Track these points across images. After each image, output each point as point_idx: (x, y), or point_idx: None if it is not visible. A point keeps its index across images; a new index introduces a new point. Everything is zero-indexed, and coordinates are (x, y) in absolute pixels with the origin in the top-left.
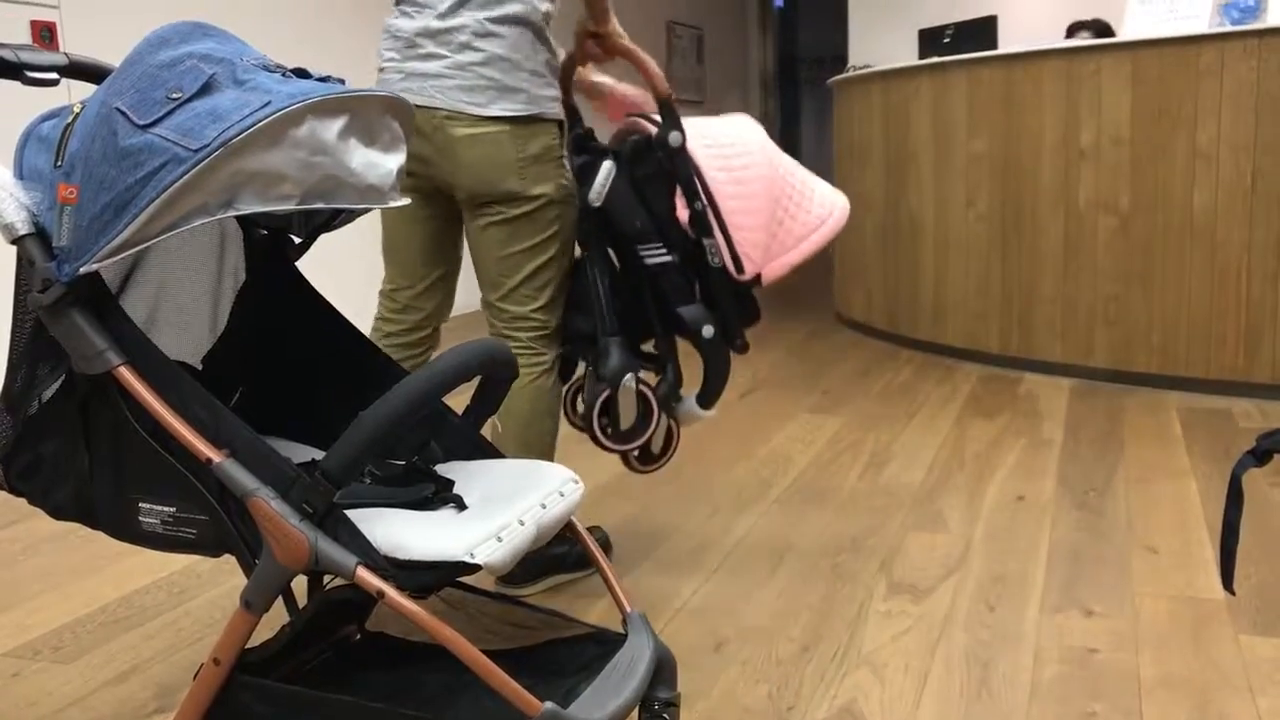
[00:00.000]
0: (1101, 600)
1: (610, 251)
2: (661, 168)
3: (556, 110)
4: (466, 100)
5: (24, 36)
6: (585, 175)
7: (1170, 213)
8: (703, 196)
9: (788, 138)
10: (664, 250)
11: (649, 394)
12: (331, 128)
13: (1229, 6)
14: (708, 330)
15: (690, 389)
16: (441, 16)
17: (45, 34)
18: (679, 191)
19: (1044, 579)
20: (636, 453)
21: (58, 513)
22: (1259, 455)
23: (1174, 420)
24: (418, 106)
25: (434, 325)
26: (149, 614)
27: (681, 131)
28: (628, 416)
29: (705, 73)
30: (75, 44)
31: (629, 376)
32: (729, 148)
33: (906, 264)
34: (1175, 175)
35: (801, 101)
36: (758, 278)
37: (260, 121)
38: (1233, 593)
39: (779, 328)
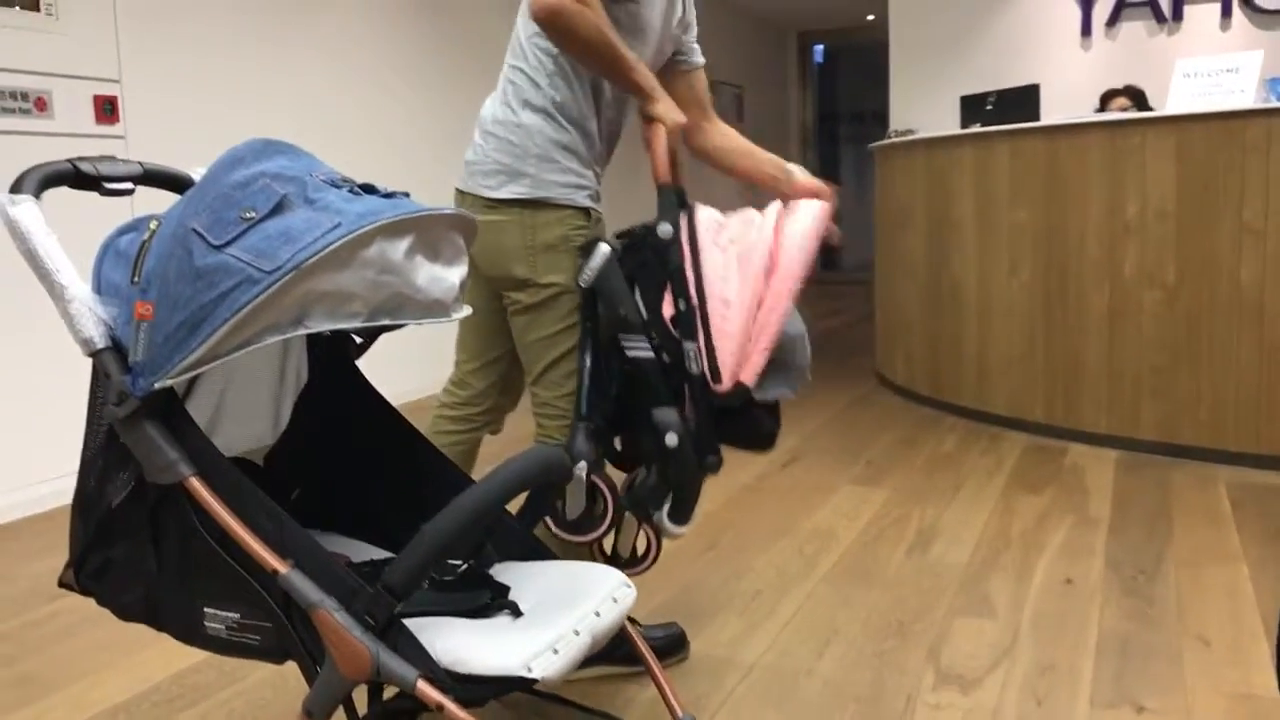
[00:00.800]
0: (1154, 695)
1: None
2: (657, 258)
3: (572, 196)
4: (482, 184)
5: (87, 110)
6: (586, 253)
7: (1217, 286)
8: (691, 295)
9: None
10: (646, 345)
11: (604, 490)
12: (399, 247)
13: (1275, 82)
14: (671, 438)
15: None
16: (490, 101)
17: (107, 108)
18: (669, 286)
19: (1093, 671)
20: (604, 552)
21: (125, 614)
22: None
23: (1223, 497)
24: (460, 191)
25: (486, 405)
26: (202, 693)
27: (673, 224)
28: (574, 506)
29: (746, 130)
30: (136, 118)
31: (580, 465)
32: (753, 246)
33: (949, 330)
34: (1222, 249)
35: (841, 157)
36: (744, 389)
37: (332, 244)
38: None
39: (820, 393)
